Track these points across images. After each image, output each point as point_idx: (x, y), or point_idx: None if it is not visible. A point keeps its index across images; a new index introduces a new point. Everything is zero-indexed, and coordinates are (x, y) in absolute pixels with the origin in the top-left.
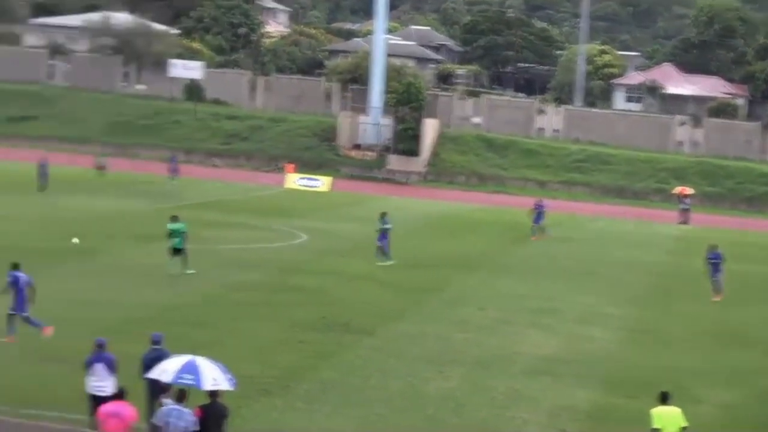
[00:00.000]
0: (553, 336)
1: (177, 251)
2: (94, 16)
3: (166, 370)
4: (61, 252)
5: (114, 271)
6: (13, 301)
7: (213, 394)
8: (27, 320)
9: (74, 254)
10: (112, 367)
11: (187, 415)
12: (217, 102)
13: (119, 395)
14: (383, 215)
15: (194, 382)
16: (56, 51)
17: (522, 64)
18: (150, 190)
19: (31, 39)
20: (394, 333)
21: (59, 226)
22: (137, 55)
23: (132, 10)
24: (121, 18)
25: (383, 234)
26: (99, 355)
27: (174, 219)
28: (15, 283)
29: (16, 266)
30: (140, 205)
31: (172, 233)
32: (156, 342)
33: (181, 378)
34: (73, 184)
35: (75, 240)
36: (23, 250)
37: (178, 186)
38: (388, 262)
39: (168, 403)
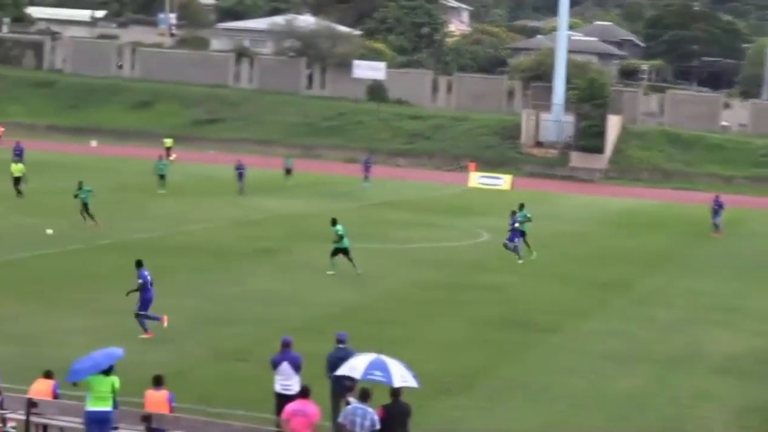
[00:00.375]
0: (739, 334)
1: (341, 251)
2: (279, 20)
3: (355, 367)
4: (253, 253)
5: (302, 270)
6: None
7: (395, 393)
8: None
9: (265, 255)
10: (297, 366)
11: (371, 414)
12: (399, 102)
13: (303, 394)
14: (521, 207)
15: (384, 379)
16: (242, 54)
17: (707, 58)
18: (335, 191)
19: (218, 43)
20: (578, 331)
21: (250, 227)
22: (321, 56)
23: (316, 13)
24: (306, 20)
25: (515, 229)
26: (285, 354)
27: (334, 222)
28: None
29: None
30: (327, 205)
31: (337, 235)
32: (341, 341)
33: (371, 375)
34: (262, 186)
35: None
36: (217, 251)
37: (371, 187)
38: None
39: (353, 402)
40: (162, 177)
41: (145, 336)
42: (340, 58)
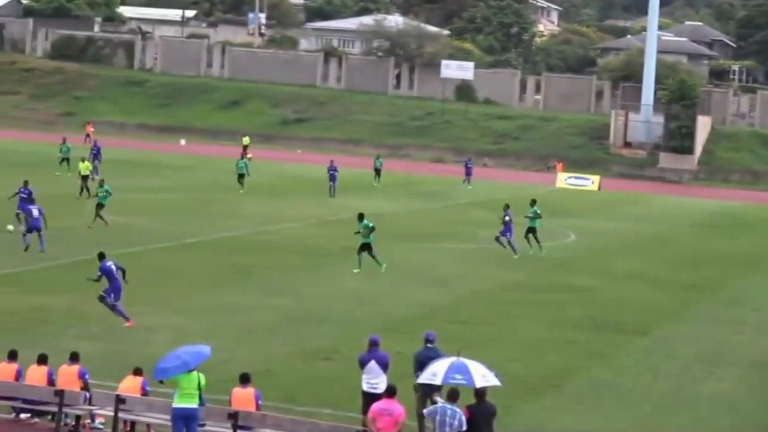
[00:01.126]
0: None
1: (365, 247)
2: (368, 19)
3: (435, 373)
4: (341, 252)
5: (388, 270)
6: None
7: (480, 393)
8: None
9: (353, 254)
10: (384, 364)
11: (459, 414)
12: (487, 102)
13: (389, 393)
14: (533, 203)
15: (465, 381)
16: (330, 54)
17: None
18: (423, 190)
19: (306, 43)
20: (666, 333)
21: (338, 227)
22: (409, 56)
23: (404, 13)
24: (394, 20)
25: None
26: (373, 352)
27: (361, 217)
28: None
29: (102, 256)
30: (415, 205)
31: (365, 231)
32: (429, 340)
33: (452, 378)
34: (351, 186)
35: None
36: (305, 250)
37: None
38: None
39: (440, 402)
40: (241, 176)
41: (128, 324)
42: (428, 58)
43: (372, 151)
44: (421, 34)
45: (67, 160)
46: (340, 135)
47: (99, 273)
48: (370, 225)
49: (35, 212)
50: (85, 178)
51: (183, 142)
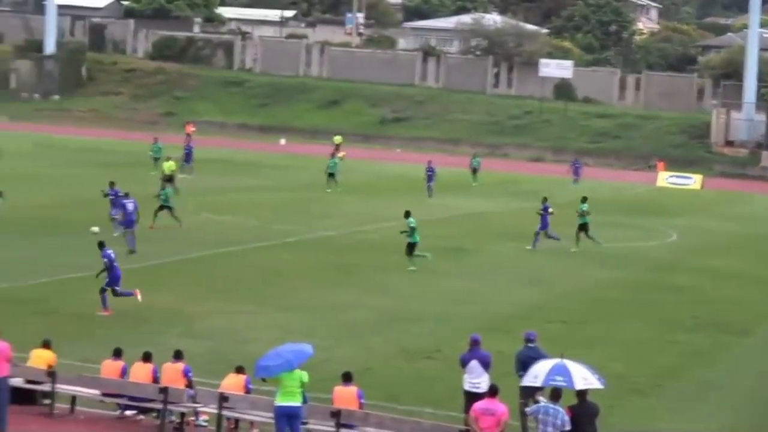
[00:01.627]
0: None
1: (410, 245)
2: (466, 18)
3: (537, 375)
4: (440, 252)
5: (488, 269)
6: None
7: (582, 394)
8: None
9: (451, 253)
10: (486, 364)
11: (562, 414)
12: (586, 100)
13: (492, 392)
14: (584, 200)
15: (566, 383)
16: (428, 53)
17: None
18: (521, 190)
19: (404, 42)
20: None
21: (436, 226)
22: (508, 55)
23: (503, 11)
24: (492, 19)
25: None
26: (474, 352)
27: (407, 214)
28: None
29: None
30: (513, 204)
31: (410, 228)
32: (530, 340)
33: (552, 380)
34: (449, 185)
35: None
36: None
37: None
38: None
39: (542, 401)
40: (331, 176)
41: (103, 313)
42: (526, 57)
43: (470, 150)
44: (520, 32)
45: (158, 159)
46: (438, 134)
47: (105, 261)
48: (413, 224)
49: (130, 206)
50: (170, 177)
51: (282, 141)
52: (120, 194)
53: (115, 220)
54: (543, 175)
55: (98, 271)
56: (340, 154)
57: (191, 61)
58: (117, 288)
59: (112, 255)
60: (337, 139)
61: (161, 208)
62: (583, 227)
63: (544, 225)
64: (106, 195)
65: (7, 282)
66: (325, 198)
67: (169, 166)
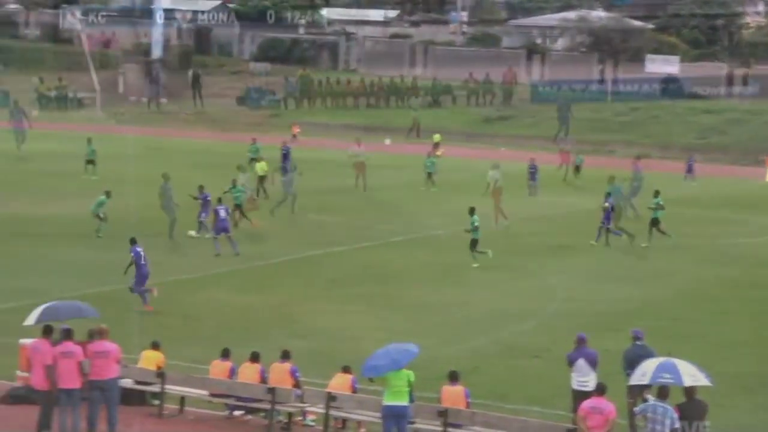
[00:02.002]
0: None
1: (474, 243)
2: (571, 15)
3: (645, 373)
4: (545, 250)
5: (592, 267)
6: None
7: (689, 392)
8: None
9: (556, 251)
10: (593, 362)
11: (671, 412)
12: (693, 96)
13: (600, 391)
14: (656, 194)
15: (673, 380)
16: (533, 50)
17: None
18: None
19: (508, 40)
20: None
21: (540, 224)
22: (613, 51)
23: (607, 8)
24: (597, 15)
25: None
26: (581, 350)
27: (472, 211)
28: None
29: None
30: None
31: (472, 225)
32: (637, 338)
33: (660, 377)
34: (552, 183)
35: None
36: (509, 247)
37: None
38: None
39: (651, 400)
40: (429, 175)
41: (146, 309)
42: (632, 53)
43: (575, 147)
44: (626, 28)
45: (254, 160)
46: (543, 133)
47: (132, 257)
48: (477, 222)
49: (222, 213)
50: (261, 178)
51: (388, 141)
52: (209, 198)
53: (202, 223)
54: (650, 172)
55: (125, 268)
56: (438, 152)
57: (296, 62)
58: (137, 287)
59: (141, 253)
60: (436, 137)
61: (236, 207)
62: (655, 222)
63: (607, 218)
64: (195, 198)
65: (116, 284)
66: (429, 197)
67: (261, 167)
